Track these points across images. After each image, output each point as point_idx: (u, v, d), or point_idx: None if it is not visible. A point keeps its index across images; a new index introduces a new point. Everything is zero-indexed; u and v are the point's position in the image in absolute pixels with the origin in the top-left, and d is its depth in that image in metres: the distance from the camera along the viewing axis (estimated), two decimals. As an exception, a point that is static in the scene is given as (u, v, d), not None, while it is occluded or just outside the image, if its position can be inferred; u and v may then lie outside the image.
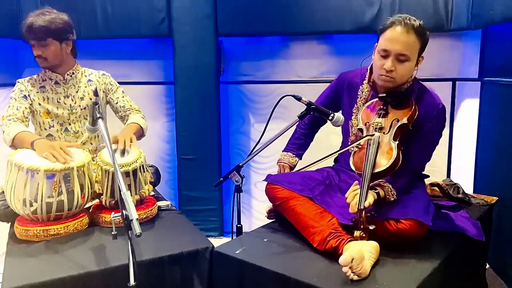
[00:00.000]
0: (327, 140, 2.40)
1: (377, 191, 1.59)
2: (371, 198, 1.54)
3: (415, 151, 1.72)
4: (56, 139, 2.05)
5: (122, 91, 2.20)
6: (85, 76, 2.13)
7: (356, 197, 1.51)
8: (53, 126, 2.05)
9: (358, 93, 1.89)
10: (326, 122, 1.84)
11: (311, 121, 2.09)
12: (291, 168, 2.06)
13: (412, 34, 1.64)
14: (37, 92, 2.02)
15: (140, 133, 2.11)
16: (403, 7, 2.63)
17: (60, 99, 2.05)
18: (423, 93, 1.76)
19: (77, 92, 2.08)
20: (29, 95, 2.01)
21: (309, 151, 2.13)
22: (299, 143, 2.11)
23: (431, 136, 1.74)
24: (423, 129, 1.71)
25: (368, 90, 1.86)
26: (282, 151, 2.11)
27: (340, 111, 1.96)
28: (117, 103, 2.17)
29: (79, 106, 2.08)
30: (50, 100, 2.04)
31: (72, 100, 2.07)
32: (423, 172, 1.87)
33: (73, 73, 2.08)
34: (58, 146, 1.73)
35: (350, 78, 1.93)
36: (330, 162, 2.09)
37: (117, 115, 2.21)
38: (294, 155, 2.08)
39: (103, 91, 2.16)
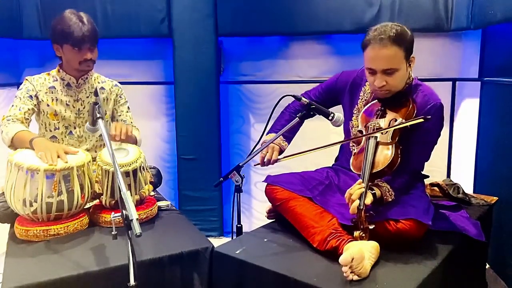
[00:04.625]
0: (327, 140, 2.40)
1: (373, 191, 1.59)
2: (368, 198, 1.54)
3: (414, 151, 1.72)
4: (59, 141, 2.03)
5: (128, 107, 2.20)
6: (98, 82, 2.12)
7: (354, 205, 1.50)
8: (58, 128, 2.04)
9: (360, 94, 1.89)
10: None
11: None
12: (281, 151, 1.91)
13: (390, 47, 1.61)
14: (46, 93, 2.00)
15: (133, 142, 2.08)
16: (403, 7, 2.64)
17: (70, 101, 2.04)
18: (421, 92, 1.76)
19: (87, 97, 2.07)
20: (36, 96, 1.98)
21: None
22: (290, 125, 1.90)
23: (429, 135, 1.74)
24: (421, 128, 1.71)
25: (370, 92, 1.86)
26: (268, 133, 1.94)
27: (340, 108, 1.97)
28: (120, 115, 2.17)
29: (88, 111, 2.07)
30: (59, 102, 2.02)
31: (81, 105, 2.06)
32: (422, 172, 1.87)
33: (86, 78, 2.07)
34: (54, 149, 1.70)
35: (353, 79, 1.92)
36: (330, 162, 2.09)
37: None
38: (284, 138, 1.94)
39: (113, 100, 2.15)
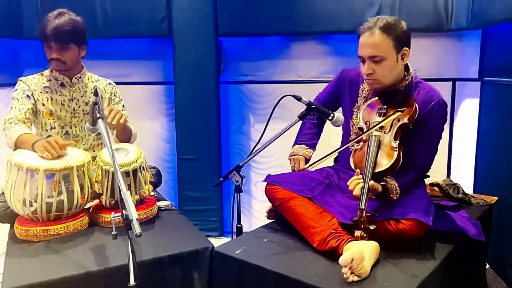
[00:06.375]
0: (328, 140, 2.40)
1: (383, 183, 1.59)
2: (377, 186, 1.55)
3: (420, 149, 1.73)
4: None
5: (123, 105, 2.19)
6: (92, 81, 2.11)
7: (358, 187, 1.52)
8: (54, 128, 2.03)
9: (359, 92, 1.89)
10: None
11: None
12: (307, 160, 2.00)
13: (377, 34, 1.66)
14: (41, 92, 2.00)
15: (128, 135, 2.08)
16: (403, 7, 2.64)
17: (65, 101, 2.03)
18: (423, 90, 1.76)
19: (82, 96, 2.07)
20: (32, 95, 1.97)
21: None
22: (311, 132, 2.06)
23: (435, 132, 1.75)
24: (426, 126, 1.71)
25: (368, 89, 1.87)
26: (294, 145, 2.06)
27: (341, 109, 1.97)
28: None
29: (83, 110, 2.07)
30: (54, 101, 2.01)
31: (76, 104, 2.06)
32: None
33: (80, 77, 2.06)
34: (53, 140, 1.70)
35: (351, 76, 1.93)
36: (330, 162, 2.09)
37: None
38: (307, 147, 2.03)
39: (108, 99, 2.15)
